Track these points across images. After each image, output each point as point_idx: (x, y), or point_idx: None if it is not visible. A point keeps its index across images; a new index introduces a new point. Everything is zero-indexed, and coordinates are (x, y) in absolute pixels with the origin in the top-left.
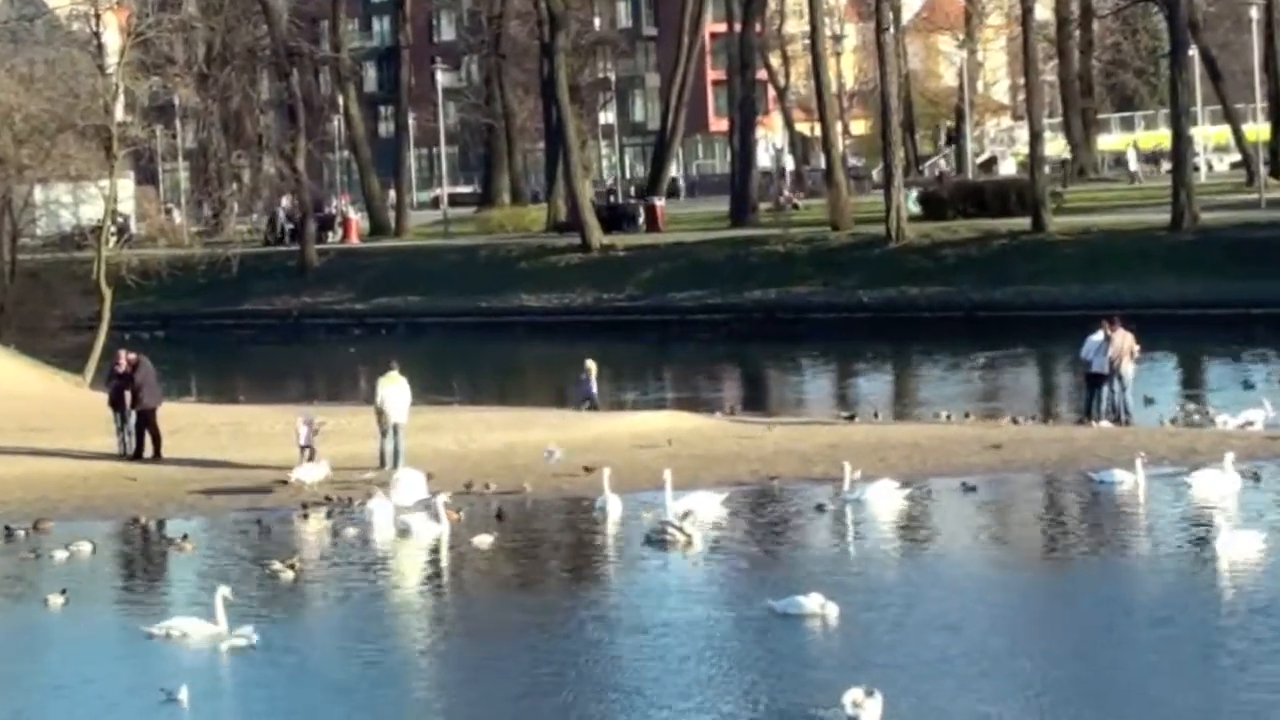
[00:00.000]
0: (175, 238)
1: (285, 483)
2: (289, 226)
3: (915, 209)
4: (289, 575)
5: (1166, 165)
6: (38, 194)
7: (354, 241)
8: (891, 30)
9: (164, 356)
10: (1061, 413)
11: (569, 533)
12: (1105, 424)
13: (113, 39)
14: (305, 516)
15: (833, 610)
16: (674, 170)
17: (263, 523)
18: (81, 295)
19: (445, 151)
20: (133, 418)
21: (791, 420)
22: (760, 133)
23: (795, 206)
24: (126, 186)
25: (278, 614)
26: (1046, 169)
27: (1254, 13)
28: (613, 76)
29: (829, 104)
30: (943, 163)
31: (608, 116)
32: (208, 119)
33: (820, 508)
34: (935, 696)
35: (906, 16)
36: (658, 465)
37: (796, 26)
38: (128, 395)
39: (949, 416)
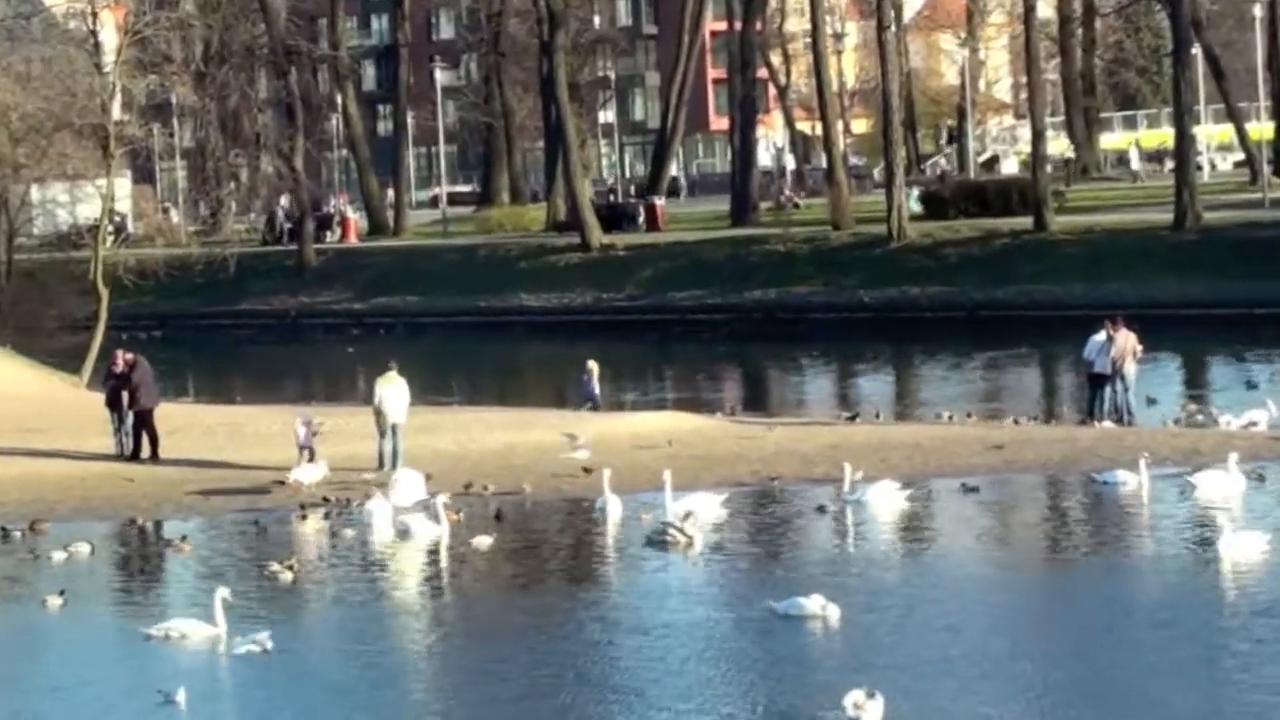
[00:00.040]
0: (173, 237)
1: (283, 483)
2: (287, 226)
3: (917, 208)
4: (287, 576)
5: (1169, 164)
6: (34, 193)
7: (352, 241)
8: (893, 28)
9: (161, 356)
10: (1064, 413)
11: (569, 534)
12: (1108, 424)
13: (110, 37)
14: (304, 517)
15: (834, 611)
16: (674, 169)
17: (261, 524)
18: (78, 295)
19: (444, 150)
20: (130, 418)
21: (792, 421)
22: (761, 132)
23: (796, 206)
24: (124, 185)
25: (276, 615)
26: (1049, 168)
27: (1257, 11)
28: (612, 75)
29: (830, 103)
30: (944, 162)
31: (607, 115)
32: (205, 118)
33: (821, 509)
34: (936, 698)
35: (908, 14)
36: (658, 466)
37: (797, 25)
38: (125, 395)
39: (950, 417)
